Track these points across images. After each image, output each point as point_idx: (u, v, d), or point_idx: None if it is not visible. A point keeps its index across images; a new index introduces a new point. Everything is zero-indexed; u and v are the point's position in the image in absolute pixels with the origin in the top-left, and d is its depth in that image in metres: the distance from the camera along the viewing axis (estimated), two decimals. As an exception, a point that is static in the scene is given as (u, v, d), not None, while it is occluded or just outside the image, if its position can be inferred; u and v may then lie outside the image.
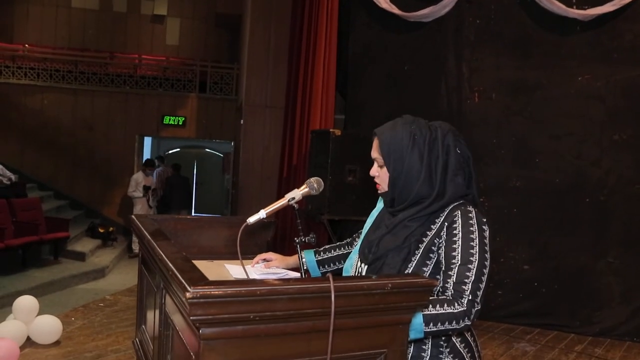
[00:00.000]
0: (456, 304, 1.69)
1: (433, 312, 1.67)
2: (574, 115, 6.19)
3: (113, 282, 9.04)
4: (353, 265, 1.99)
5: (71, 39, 14.52)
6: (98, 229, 11.47)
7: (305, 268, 2.24)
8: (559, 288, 6.23)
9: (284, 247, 7.13)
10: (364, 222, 2.11)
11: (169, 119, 13.01)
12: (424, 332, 1.67)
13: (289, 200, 2.07)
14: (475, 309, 1.69)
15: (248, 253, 2.44)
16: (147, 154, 14.71)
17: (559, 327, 6.17)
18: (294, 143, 7.28)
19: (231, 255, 2.43)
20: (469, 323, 1.69)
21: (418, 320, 1.66)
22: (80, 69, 13.21)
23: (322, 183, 2.14)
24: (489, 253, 1.76)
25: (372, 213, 2.09)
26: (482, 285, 1.71)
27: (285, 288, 1.32)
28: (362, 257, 1.92)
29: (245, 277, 2.10)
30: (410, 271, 1.78)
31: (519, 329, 6.15)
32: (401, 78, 6.96)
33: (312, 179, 2.13)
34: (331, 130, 6.11)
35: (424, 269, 1.78)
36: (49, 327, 4.83)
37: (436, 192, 1.80)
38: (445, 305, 1.68)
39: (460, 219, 1.77)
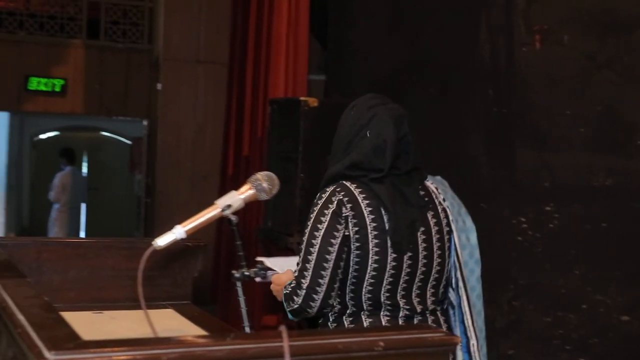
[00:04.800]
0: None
1: None
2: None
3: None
4: None
5: None
6: None
7: None
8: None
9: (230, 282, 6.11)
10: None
11: (38, 83, 10.34)
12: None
13: (222, 210, 1.81)
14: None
15: (162, 297, 2.14)
16: (1, 141, 11.66)
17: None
18: (244, 120, 6.33)
19: (133, 302, 1.89)
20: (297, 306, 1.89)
21: None
22: None
23: (276, 180, 1.93)
24: (322, 231, 1.81)
25: None
26: (308, 266, 1.84)
27: (208, 350, 1.09)
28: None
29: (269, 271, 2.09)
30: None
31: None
32: (415, 13, 5.82)
33: (259, 175, 1.91)
34: (303, 99, 5.44)
35: None
36: None
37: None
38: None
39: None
